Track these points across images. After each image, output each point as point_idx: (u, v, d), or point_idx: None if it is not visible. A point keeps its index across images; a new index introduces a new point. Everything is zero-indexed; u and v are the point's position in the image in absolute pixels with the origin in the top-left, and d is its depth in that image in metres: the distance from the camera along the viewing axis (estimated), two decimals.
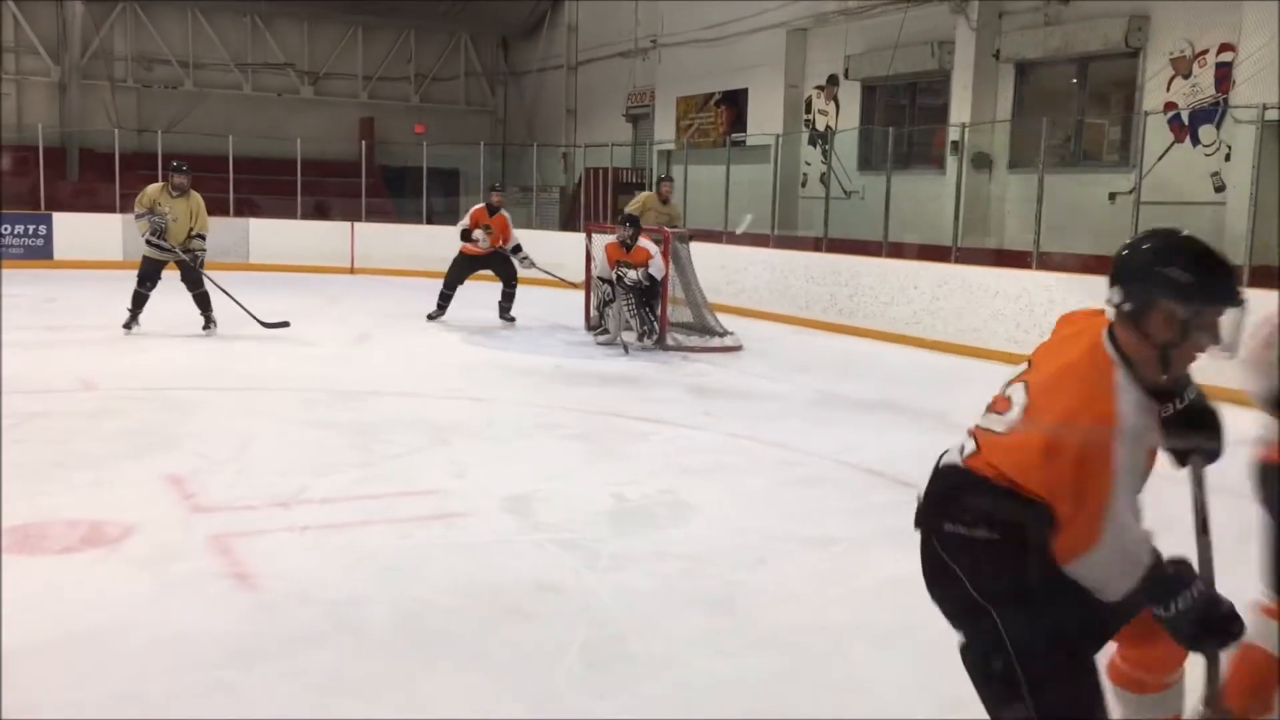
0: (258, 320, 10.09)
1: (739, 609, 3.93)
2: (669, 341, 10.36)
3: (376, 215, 19.01)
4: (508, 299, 11.85)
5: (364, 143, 21.54)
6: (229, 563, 4.16)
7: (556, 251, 13.54)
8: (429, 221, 19.05)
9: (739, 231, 13.10)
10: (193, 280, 10.08)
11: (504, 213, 12.02)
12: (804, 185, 16.02)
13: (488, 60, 25.53)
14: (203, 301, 10.17)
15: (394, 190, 21.18)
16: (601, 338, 10.36)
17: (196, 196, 10.08)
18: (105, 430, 6.32)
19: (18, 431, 6.17)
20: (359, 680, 3.25)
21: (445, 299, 11.85)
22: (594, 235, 11.58)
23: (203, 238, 10.08)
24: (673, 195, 13.21)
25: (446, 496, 5.20)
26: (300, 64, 23.77)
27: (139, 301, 10.01)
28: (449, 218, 19.31)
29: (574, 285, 12.36)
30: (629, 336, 10.22)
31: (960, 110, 13.53)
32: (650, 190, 13.37)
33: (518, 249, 11.92)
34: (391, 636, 3.56)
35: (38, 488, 5.04)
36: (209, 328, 10.13)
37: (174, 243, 9.95)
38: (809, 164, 16.11)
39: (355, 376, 8.34)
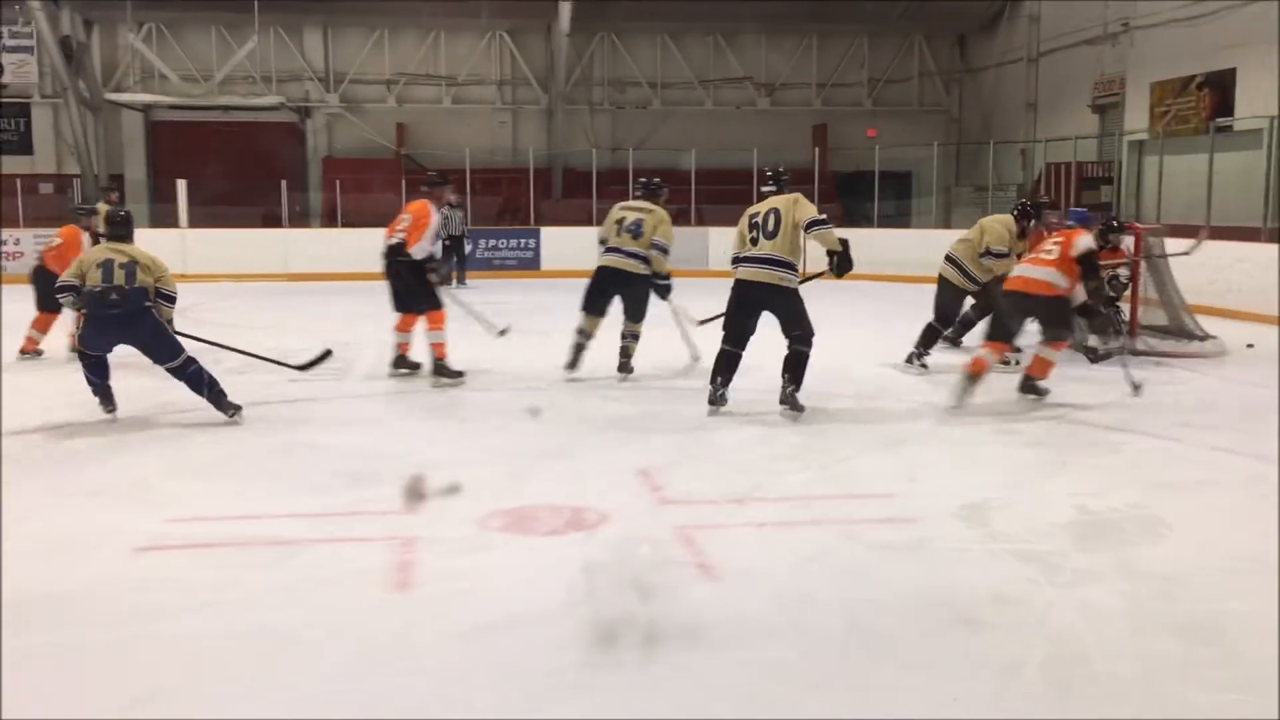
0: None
1: (1226, 639, 3.57)
2: (1139, 345, 9.60)
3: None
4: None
5: (816, 149, 21.88)
6: (692, 553, 4.40)
7: None
8: (879, 225, 19.03)
9: None
10: None
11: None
12: None
13: (942, 59, 25.11)
14: None
15: (845, 194, 21.36)
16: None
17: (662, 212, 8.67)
18: (586, 423, 6.90)
19: (503, 421, 6.91)
20: (811, 674, 3.32)
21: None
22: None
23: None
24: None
25: (899, 501, 5.16)
26: (758, 76, 24.62)
27: None
28: (900, 220, 19.16)
29: None
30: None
31: None
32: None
33: None
34: (842, 635, 3.59)
35: (526, 474, 5.61)
36: None
37: None
38: None
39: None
